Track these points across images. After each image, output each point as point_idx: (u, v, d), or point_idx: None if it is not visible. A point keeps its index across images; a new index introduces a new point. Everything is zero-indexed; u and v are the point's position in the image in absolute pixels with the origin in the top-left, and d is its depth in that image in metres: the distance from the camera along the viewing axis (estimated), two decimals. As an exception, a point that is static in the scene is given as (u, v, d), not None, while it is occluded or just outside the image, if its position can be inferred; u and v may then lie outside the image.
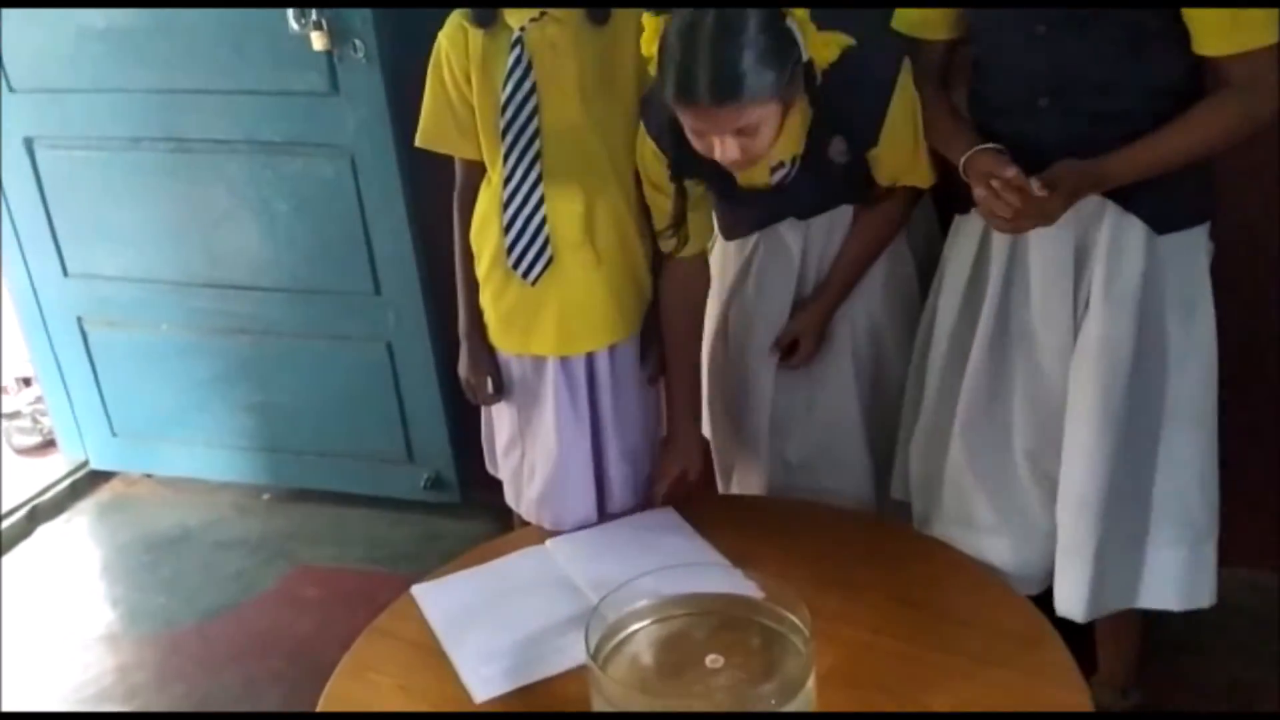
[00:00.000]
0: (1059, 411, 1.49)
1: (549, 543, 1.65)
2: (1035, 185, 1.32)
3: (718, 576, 1.41)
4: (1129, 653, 1.72)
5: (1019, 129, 1.42)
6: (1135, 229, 1.41)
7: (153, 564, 2.55)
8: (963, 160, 1.43)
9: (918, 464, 1.66)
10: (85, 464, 2.89)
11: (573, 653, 1.37)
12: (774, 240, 1.66)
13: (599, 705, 1.22)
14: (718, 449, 1.84)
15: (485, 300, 1.64)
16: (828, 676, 1.29)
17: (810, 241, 1.64)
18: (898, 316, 1.69)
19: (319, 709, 1.34)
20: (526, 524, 1.76)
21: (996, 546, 1.59)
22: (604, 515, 1.70)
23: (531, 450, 1.68)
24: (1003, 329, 1.52)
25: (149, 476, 2.90)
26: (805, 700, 1.20)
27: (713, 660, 1.26)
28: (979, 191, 1.38)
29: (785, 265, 1.65)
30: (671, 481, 1.70)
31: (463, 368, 1.68)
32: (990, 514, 1.58)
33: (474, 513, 2.50)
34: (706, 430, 1.83)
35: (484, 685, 1.35)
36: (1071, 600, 1.52)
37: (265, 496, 2.77)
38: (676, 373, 1.67)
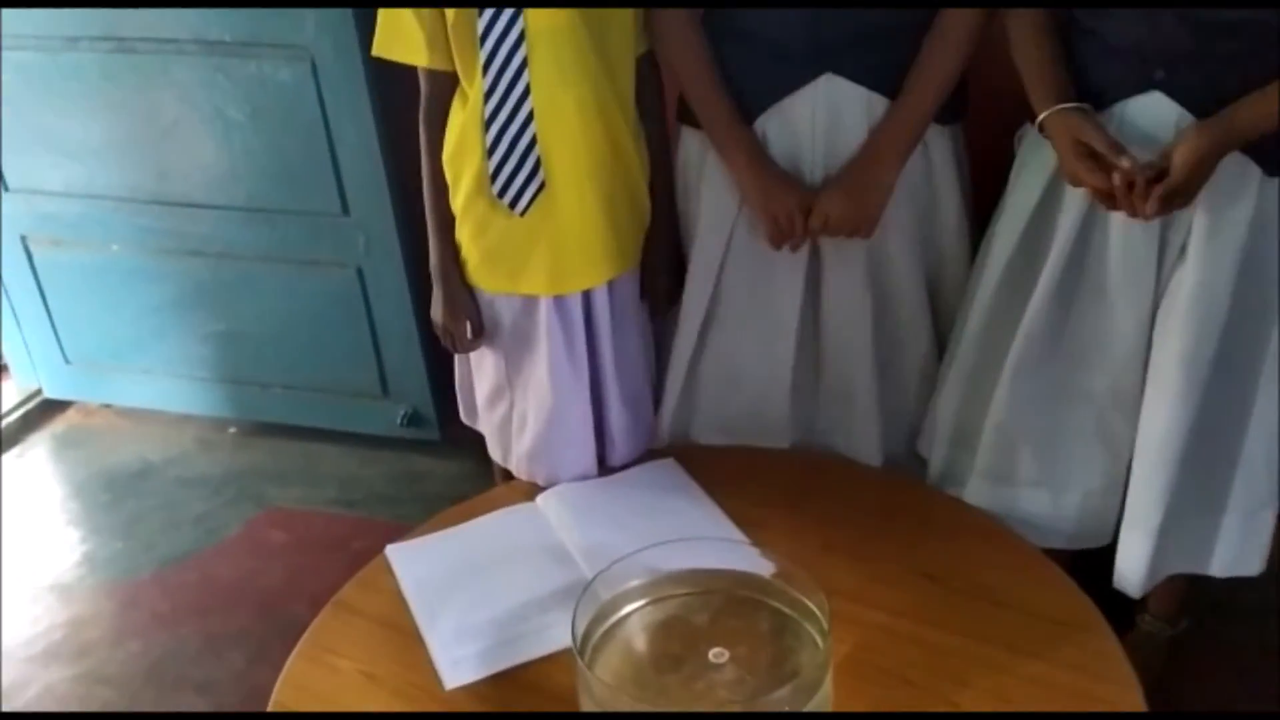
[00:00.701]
0: (1132, 366, 1.37)
1: (539, 499, 1.52)
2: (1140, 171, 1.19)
3: (724, 550, 1.27)
4: (1180, 585, 1.63)
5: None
6: (1246, 171, 1.26)
7: (111, 504, 2.43)
8: (1042, 117, 1.29)
9: (948, 414, 1.52)
10: (39, 393, 2.77)
11: (559, 633, 1.25)
12: (781, 122, 1.46)
13: (586, 704, 1.10)
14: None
15: (464, 235, 1.47)
16: (843, 665, 1.18)
17: (818, 127, 1.44)
18: (906, 250, 1.52)
19: (273, 697, 1.21)
20: (510, 477, 1.63)
21: (1035, 498, 1.49)
22: (603, 469, 1.57)
23: (522, 400, 1.53)
24: (1075, 272, 1.37)
25: (107, 407, 2.77)
26: (821, 703, 1.08)
27: (716, 654, 1.14)
28: (1072, 163, 1.25)
29: (793, 151, 1.47)
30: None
31: (436, 312, 1.52)
32: (1034, 466, 1.47)
33: (454, 451, 2.37)
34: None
35: (455, 669, 1.23)
36: (1129, 575, 1.42)
37: (231, 430, 2.64)
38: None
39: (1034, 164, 1.39)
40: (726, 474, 1.54)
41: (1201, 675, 1.69)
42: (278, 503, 2.36)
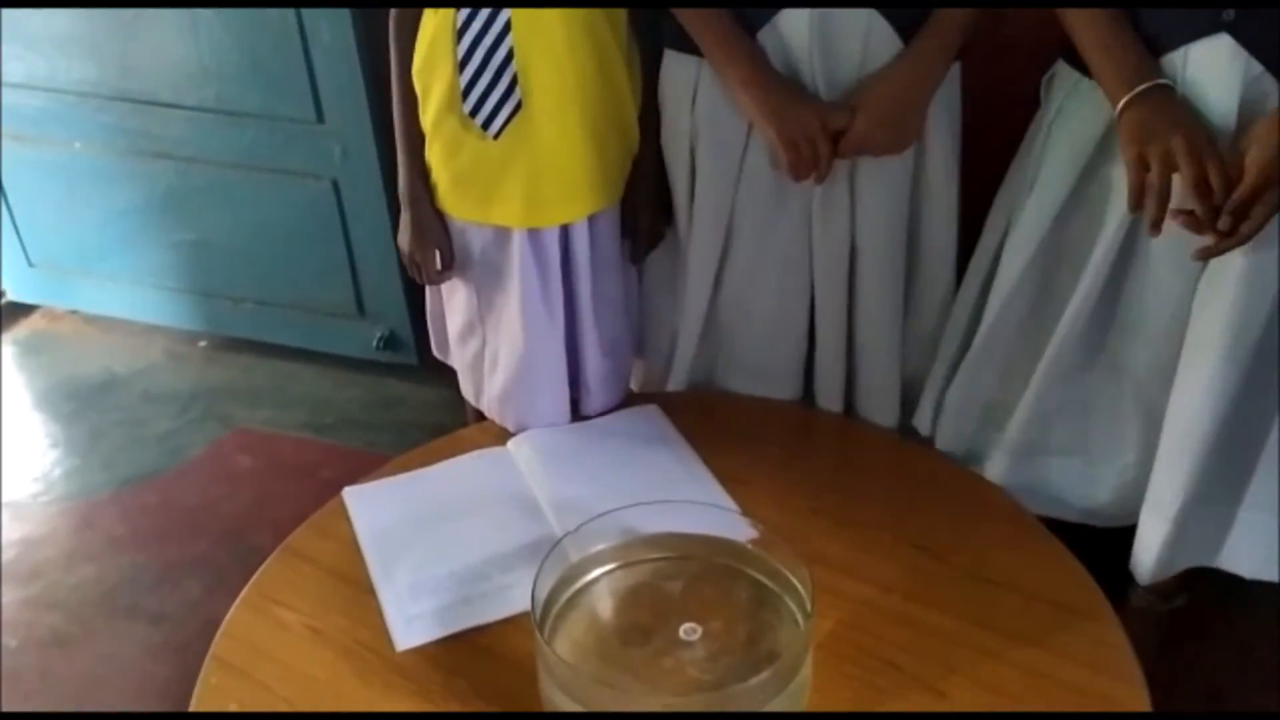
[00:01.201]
0: (1175, 340, 1.27)
1: (510, 443, 1.44)
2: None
3: (703, 513, 1.19)
4: None
5: None
6: None
7: (73, 416, 2.35)
8: (1125, 100, 1.13)
9: (965, 390, 1.41)
10: (1, 295, 2.69)
11: (521, 593, 1.17)
12: (775, 40, 1.32)
13: (544, 679, 1.03)
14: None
15: (434, 156, 1.36)
16: (824, 643, 1.11)
17: (815, 43, 1.30)
18: (943, 173, 1.41)
19: (212, 648, 1.14)
20: (484, 417, 1.54)
21: (1064, 467, 1.41)
22: (577, 418, 1.49)
23: (494, 338, 1.44)
24: (1130, 241, 1.25)
25: (74, 314, 2.68)
26: (797, 690, 1.01)
27: (688, 630, 1.06)
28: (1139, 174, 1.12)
29: (790, 71, 1.33)
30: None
31: (403, 238, 1.41)
32: (1068, 436, 1.38)
33: (433, 377, 2.28)
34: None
35: (409, 629, 1.16)
36: (1144, 560, 1.34)
37: (201, 344, 2.56)
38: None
39: (1076, 117, 1.26)
40: (714, 425, 1.46)
41: (1198, 654, 1.63)
42: (245, 424, 2.29)
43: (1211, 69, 1.12)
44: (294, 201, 2.20)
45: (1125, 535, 1.38)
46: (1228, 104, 1.12)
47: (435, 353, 1.61)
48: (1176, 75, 1.15)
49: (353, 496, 1.36)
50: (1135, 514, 1.38)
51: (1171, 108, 1.13)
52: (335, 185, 2.15)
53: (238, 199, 2.24)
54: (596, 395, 1.48)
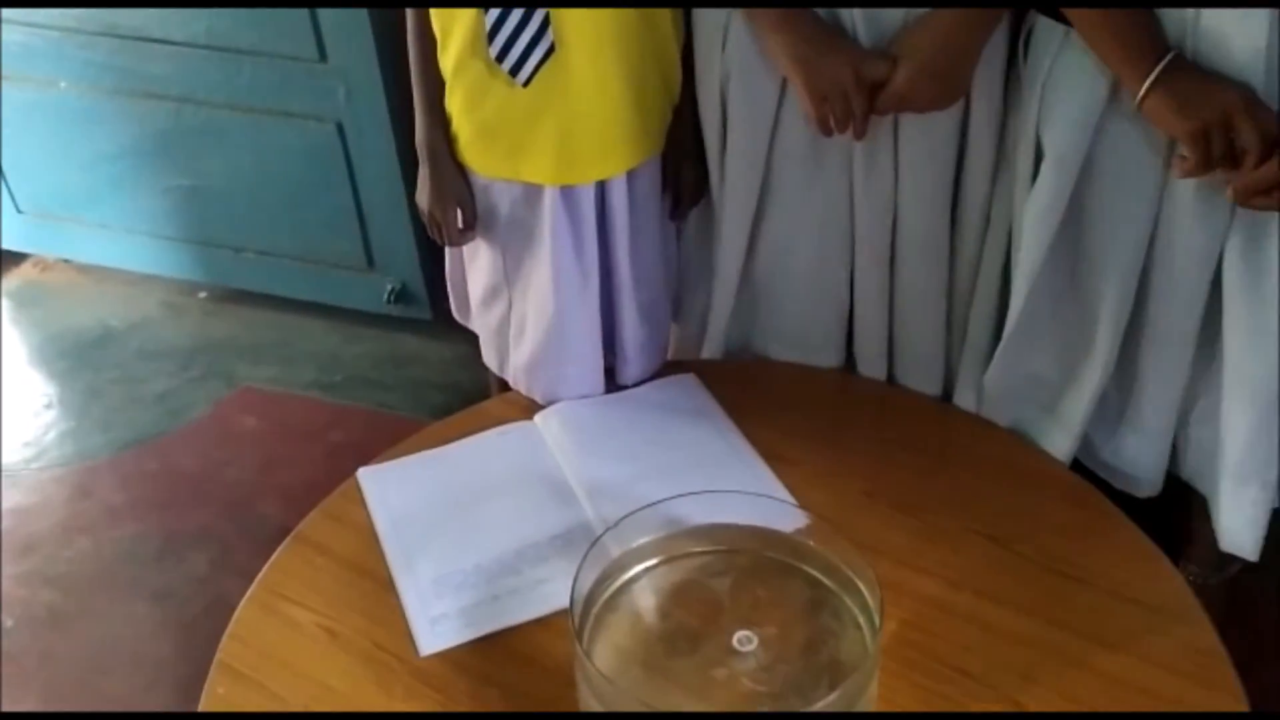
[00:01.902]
0: (1200, 301, 1.18)
1: (538, 418, 1.36)
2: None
3: (751, 501, 1.11)
4: None
5: None
6: None
7: (67, 374, 2.28)
8: (1149, 81, 1.03)
9: (1005, 371, 1.32)
10: (-11, 243, 2.60)
11: (555, 589, 1.11)
12: None
13: (585, 694, 0.95)
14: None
15: (455, 105, 1.25)
16: (888, 647, 1.03)
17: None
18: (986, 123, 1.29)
19: (218, 652, 1.07)
20: (507, 387, 1.46)
21: (1110, 435, 1.33)
22: (610, 387, 1.41)
23: (521, 303, 1.35)
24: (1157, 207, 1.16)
25: (66, 263, 2.59)
26: (865, 707, 0.93)
27: (742, 640, 0.98)
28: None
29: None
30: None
31: (422, 196, 1.31)
32: (1116, 406, 1.29)
33: (447, 332, 2.19)
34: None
35: (434, 631, 1.08)
36: (1247, 535, 1.24)
37: (201, 296, 2.47)
38: None
39: (1075, 78, 1.14)
40: (754, 396, 1.37)
41: (1259, 623, 1.56)
42: (249, 382, 2.21)
43: (1229, 16, 1.01)
44: (295, 145, 2.09)
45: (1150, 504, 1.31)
46: (1254, 48, 1.01)
47: (455, 315, 1.52)
48: (1187, 30, 1.04)
49: (368, 478, 1.28)
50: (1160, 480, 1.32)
51: (1196, 72, 1.04)
52: (340, 128, 2.04)
53: (234, 142, 2.14)
54: (634, 363, 1.39)
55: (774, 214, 1.36)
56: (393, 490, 1.26)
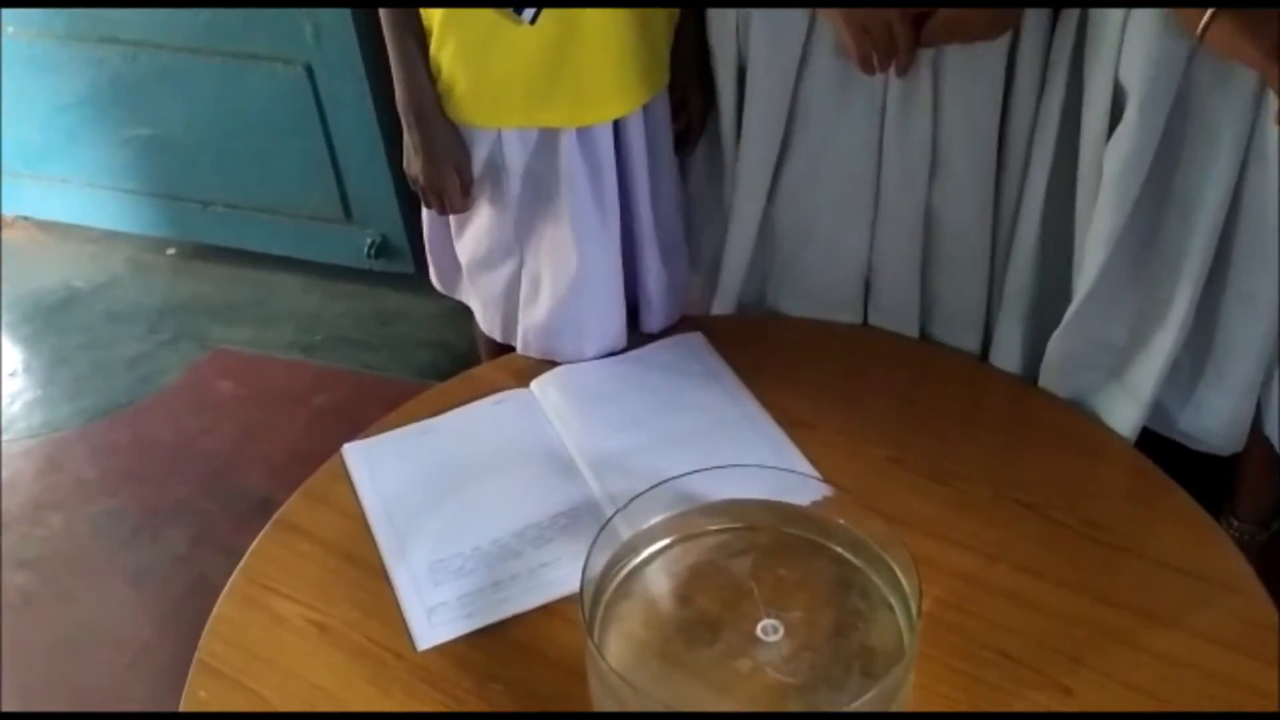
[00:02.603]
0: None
1: (534, 384, 1.29)
2: None
3: (766, 472, 1.05)
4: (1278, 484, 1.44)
5: None
6: None
7: (31, 339, 2.20)
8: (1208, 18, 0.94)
9: (1082, 331, 1.24)
10: (-58, 202, 2.50)
11: (560, 574, 1.05)
12: None
13: (600, 694, 0.89)
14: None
15: (446, 56, 1.16)
16: (923, 628, 0.96)
17: None
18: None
19: (198, 651, 1.01)
20: (499, 352, 1.38)
21: (1187, 397, 1.25)
22: (634, 342, 1.34)
23: (534, 261, 1.28)
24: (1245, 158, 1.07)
25: (25, 220, 2.50)
26: (901, 704, 0.88)
27: (766, 629, 0.92)
28: None
29: None
30: None
31: (412, 164, 1.23)
32: (1235, 368, 1.21)
33: (431, 286, 2.10)
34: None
35: (431, 623, 1.02)
36: None
37: (169, 252, 2.38)
38: None
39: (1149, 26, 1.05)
40: (770, 355, 1.31)
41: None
42: (224, 344, 2.13)
43: None
44: (261, 90, 2.00)
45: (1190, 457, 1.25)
46: None
47: (437, 285, 1.44)
48: None
49: (354, 455, 1.21)
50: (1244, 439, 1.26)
51: None
52: (309, 70, 1.95)
53: (196, 89, 2.05)
54: (658, 310, 1.33)
55: (795, 161, 1.28)
56: (381, 468, 1.19)
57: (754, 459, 1.11)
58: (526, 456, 1.19)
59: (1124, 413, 1.22)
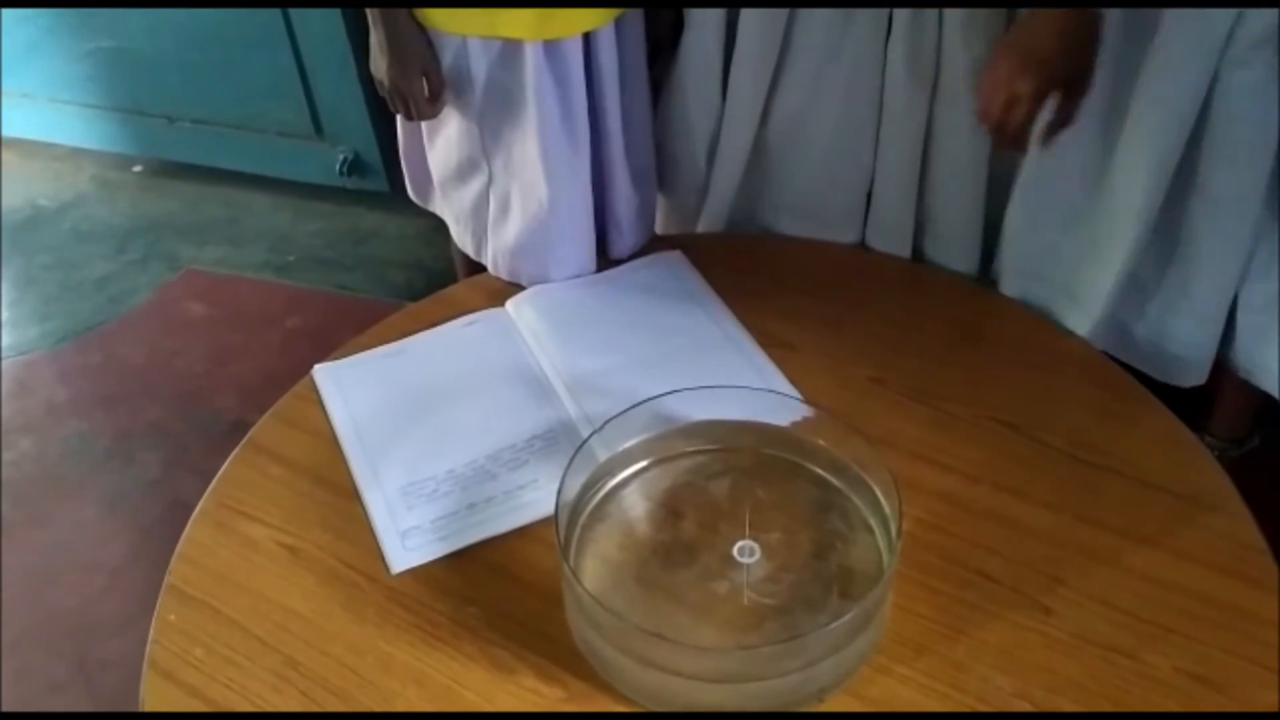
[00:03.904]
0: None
1: (510, 304, 1.26)
2: None
3: (745, 392, 1.03)
4: (1256, 400, 1.43)
5: None
6: None
7: (-7, 260, 2.15)
8: None
9: (1023, 233, 1.22)
10: (-102, 118, 2.42)
11: (535, 496, 1.03)
12: None
13: (576, 619, 0.89)
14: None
15: None
16: (904, 549, 0.95)
17: None
18: None
19: (168, 575, 1.00)
20: (475, 270, 1.35)
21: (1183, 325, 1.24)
22: (604, 265, 1.32)
23: (504, 176, 1.24)
24: None
25: (-14, 137, 2.43)
26: (877, 629, 0.88)
27: (743, 550, 0.91)
28: None
29: None
30: None
31: (378, 65, 1.18)
32: (1202, 290, 1.20)
33: (406, 205, 2.03)
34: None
35: (404, 546, 1.01)
36: None
37: (136, 169, 2.32)
38: None
39: None
40: (755, 275, 1.28)
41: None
42: (195, 264, 2.09)
43: None
44: None
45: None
46: None
47: (413, 196, 1.40)
48: None
49: (325, 376, 1.18)
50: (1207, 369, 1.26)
51: None
52: (275, -23, 1.87)
53: (158, -2, 1.97)
54: (628, 234, 1.30)
55: (792, 78, 1.24)
56: (352, 389, 1.17)
57: (735, 380, 1.09)
58: (501, 377, 1.17)
59: (1074, 326, 1.22)
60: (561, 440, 1.08)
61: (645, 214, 1.32)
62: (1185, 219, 1.16)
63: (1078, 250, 1.22)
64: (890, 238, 1.33)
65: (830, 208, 1.33)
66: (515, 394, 1.15)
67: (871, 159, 1.29)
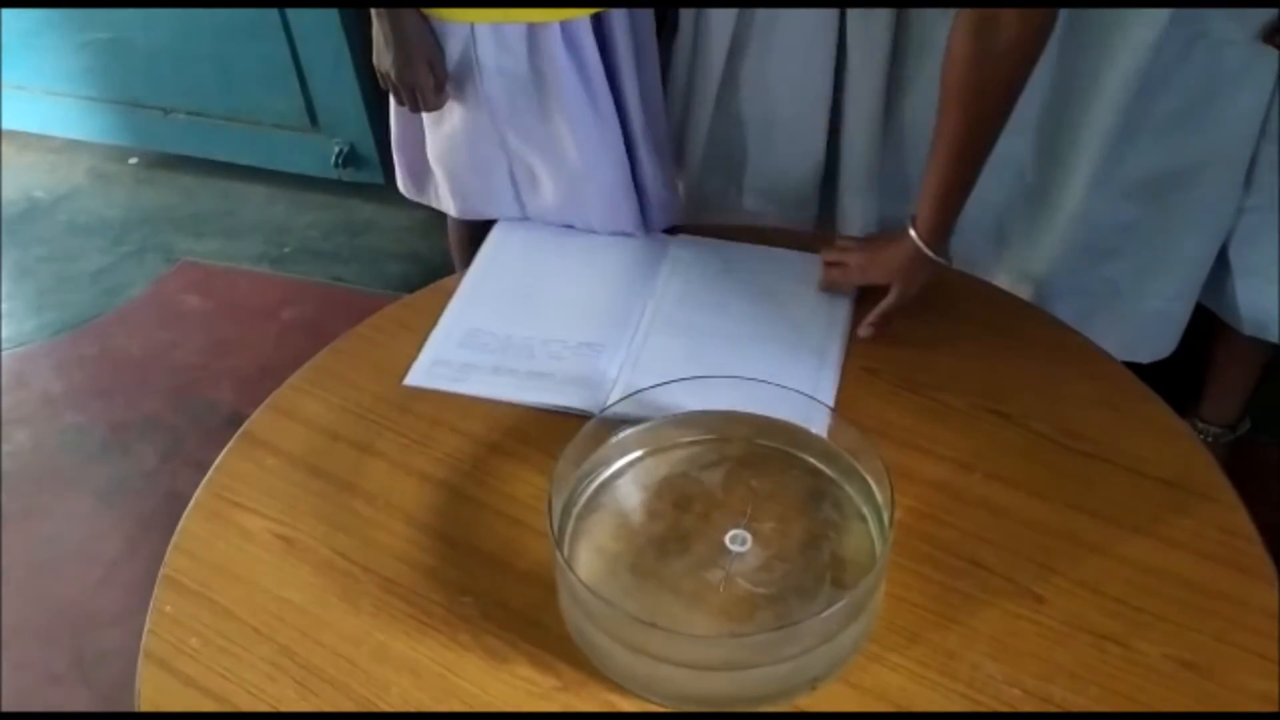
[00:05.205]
0: None
1: (679, 239, 1.30)
2: None
3: (748, 387, 1.03)
4: (1247, 385, 1.47)
5: None
6: None
7: (-10, 253, 2.15)
8: None
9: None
10: (-106, 110, 2.41)
11: (550, 386, 1.10)
12: None
13: (570, 609, 0.89)
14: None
15: None
16: (897, 538, 0.96)
17: None
18: None
19: (163, 567, 1.00)
20: (470, 260, 1.35)
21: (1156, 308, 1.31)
22: None
23: (525, 156, 1.25)
24: None
25: (-19, 129, 2.42)
26: (869, 618, 0.88)
27: (736, 539, 0.92)
28: None
29: None
30: None
31: (383, 59, 1.17)
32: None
33: (401, 196, 2.05)
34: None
35: (428, 372, 1.14)
36: None
37: (131, 162, 2.32)
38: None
39: None
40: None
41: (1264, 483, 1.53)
42: (191, 256, 2.09)
43: None
44: (221, -9, 1.92)
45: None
46: None
47: (404, 190, 1.40)
48: None
49: (504, 229, 1.31)
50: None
51: None
52: (269, -31, 1.87)
53: (153, -11, 1.96)
54: (659, 206, 1.31)
55: (753, 46, 1.26)
56: (512, 247, 1.28)
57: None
58: (616, 287, 1.23)
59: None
60: (603, 355, 1.13)
61: (672, 187, 1.33)
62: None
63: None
64: (859, 218, 1.34)
65: (792, 185, 1.35)
66: (608, 303, 1.20)
67: (826, 136, 1.30)
